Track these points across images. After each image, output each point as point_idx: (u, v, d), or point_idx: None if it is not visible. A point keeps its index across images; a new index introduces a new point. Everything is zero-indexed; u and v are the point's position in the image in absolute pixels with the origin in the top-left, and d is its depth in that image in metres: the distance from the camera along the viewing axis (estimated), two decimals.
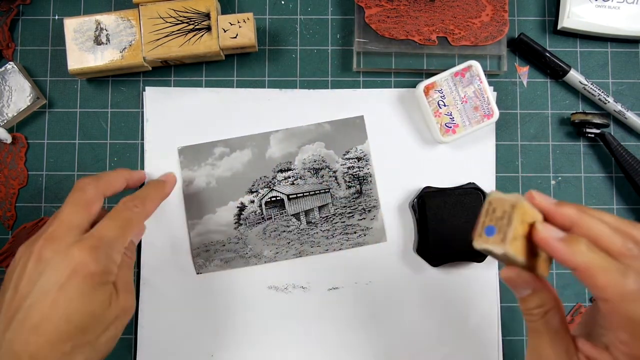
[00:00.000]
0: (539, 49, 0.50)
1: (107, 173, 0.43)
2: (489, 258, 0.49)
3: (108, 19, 0.49)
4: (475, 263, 0.49)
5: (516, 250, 0.31)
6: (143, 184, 0.49)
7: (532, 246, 0.32)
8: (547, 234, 0.31)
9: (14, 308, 0.35)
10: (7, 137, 0.50)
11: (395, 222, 0.50)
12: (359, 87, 0.51)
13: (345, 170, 0.50)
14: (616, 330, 0.30)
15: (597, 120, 0.49)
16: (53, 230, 0.37)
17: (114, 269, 0.38)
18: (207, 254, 0.50)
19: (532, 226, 0.31)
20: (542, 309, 0.33)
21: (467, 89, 0.48)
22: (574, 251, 0.30)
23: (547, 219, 0.32)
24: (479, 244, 0.31)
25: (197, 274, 0.50)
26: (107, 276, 0.37)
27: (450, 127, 0.48)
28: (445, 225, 0.47)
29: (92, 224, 0.39)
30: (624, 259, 0.30)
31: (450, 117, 0.48)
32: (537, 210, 0.32)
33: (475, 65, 0.48)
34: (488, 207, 0.31)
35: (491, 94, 0.49)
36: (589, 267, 0.30)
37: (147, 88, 0.51)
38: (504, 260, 0.32)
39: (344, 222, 0.50)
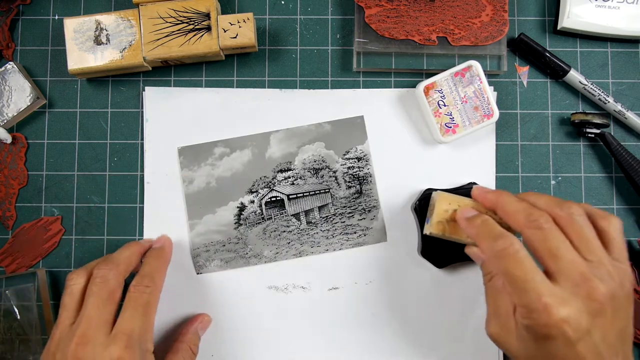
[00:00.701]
0: (539, 49, 0.50)
1: (122, 255, 0.43)
2: None
3: (108, 19, 0.49)
4: (476, 264, 0.49)
5: (444, 230, 0.43)
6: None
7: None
8: (459, 214, 0.42)
9: None
10: (7, 137, 0.50)
11: (396, 222, 0.50)
12: (359, 87, 0.51)
13: (345, 170, 0.50)
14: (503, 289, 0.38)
15: (597, 120, 0.49)
16: (84, 331, 0.38)
17: (148, 356, 0.40)
18: (207, 254, 0.50)
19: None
20: (489, 275, 0.39)
21: (467, 89, 0.48)
22: (471, 225, 0.40)
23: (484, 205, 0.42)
24: (425, 230, 0.44)
25: (197, 274, 0.50)
26: None
27: (450, 127, 0.48)
28: None
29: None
30: (524, 229, 0.38)
31: (450, 117, 0.48)
32: (472, 200, 0.43)
33: (475, 65, 0.48)
34: (430, 204, 0.45)
35: (491, 94, 0.49)
36: (477, 235, 0.39)
37: (147, 88, 0.51)
38: (453, 241, 0.44)
39: (344, 222, 0.50)
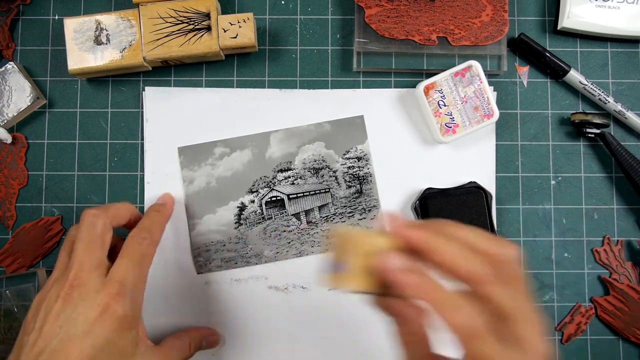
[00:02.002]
0: (539, 49, 0.50)
1: (113, 204, 0.43)
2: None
3: (108, 19, 0.49)
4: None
5: (365, 283, 0.29)
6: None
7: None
8: (383, 264, 0.30)
9: (37, 350, 0.35)
10: (7, 137, 0.50)
11: None
12: (359, 87, 0.51)
13: (346, 170, 0.50)
14: None
15: (597, 120, 0.49)
16: (75, 274, 0.37)
17: (138, 313, 0.39)
18: (207, 254, 0.50)
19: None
20: (414, 337, 0.33)
21: (467, 89, 0.48)
22: (411, 283, 0.29)
23: (406, 245, 0.31)
24: (330, 284, 0.29)
25: (198, 274, 0.50)
26: (134, 320, 0.38)
27: (450, 127, 0.48)
28: None
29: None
30: (478, 284, 0.29)
31: (450, 117, 0.48)
32: (388, 236, 0.31)
33: (475, 65, 0.48)
34: (334, 242, 0.30)
35: (491, 94, 0.49)
36: (424, 297, 0.29)
37: (147, 88, 0.51)
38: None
39: (344, 221, 0.50)
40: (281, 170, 0.50)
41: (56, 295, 0.37)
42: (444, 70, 0.49)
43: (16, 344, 0.37)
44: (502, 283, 0.29)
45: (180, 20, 0.48)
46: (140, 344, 0.39)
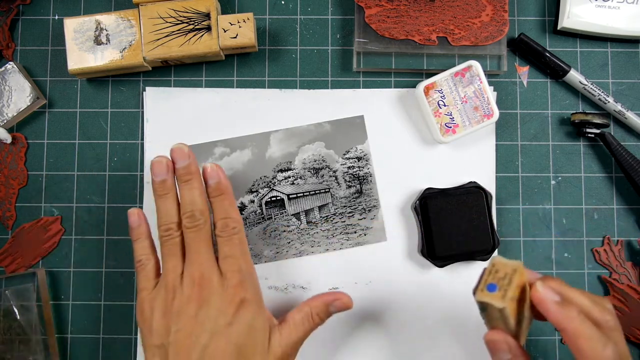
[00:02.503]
0: (539, 49, 0.50)
1: (204, 204, 0.42)
2: (495, 252, 0.49)
3: (108, 19, 0.49)
4: (476, 263, 0.49)
5: (511, 309, 0.34)
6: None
7: (518, 313, 0.35)
8: (545, 294, 0.35)
9: (186, 347, 0.38)
10: (7, 137, 0.50)
11: (396, 222, 0.50)
12: (359, 87, 0.51)
13: (346, 169, 0.50)
14: None
15: (597, 120, 0.49)
16: (200, 274, 0.40)
17: (260, 293, 0.42)
18: None
19: (523, 291, 0.35)
20: None
21: (467, 89, 0.48)
22: (567, 315, 0.34)
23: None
24: (480, 297, 0.35)
25: None
26: (261, 301, 0.41)
27: (450, 127, 0.48)
28: (450, 225, 0.47)
29: None
30: (603, 329, 0.34)
31: (450, 117, 0.48)
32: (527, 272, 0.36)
33: (475, 65, 0.48)
34: (491, 268, 0.36)
35: (491, 94, 0.49)
36: (576, 332, 0.33)
37: (147, 88, 0.51)
38: (493, 320, 0.36)
39: (344, 221, 0.50)
40: (281, 170, 0.50)
41: (186, 297, 0.39)
42: (444, 70, 0.49)
43: (148, 346, 0.39)
44: (615, 343, 0.34)
45: (180, 20, 0.48)
46: (272, 322, 0.42)
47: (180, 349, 0.38)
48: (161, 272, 0.42)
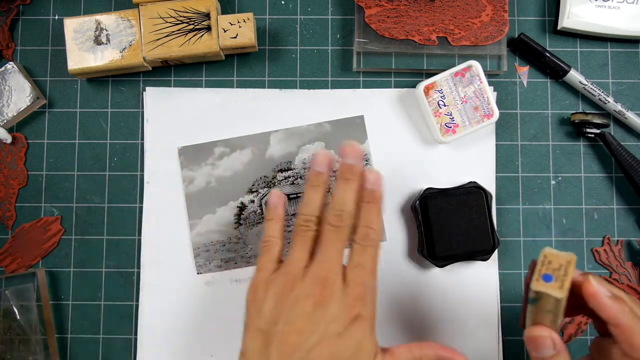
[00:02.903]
0: (539, 49, 0.50)
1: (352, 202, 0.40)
2: (493, 256, 0.49)
3: (108, 19, 0.49)
4: (476, 264, 0.49)
5: (564, 295, 0.34)
6: None
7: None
8: (600, 289, 0.34)
9: (291, 344, 0.36)
10: (7, 137, 0.50)
11: (395, 222, 0.50)
12: (359, 87, 0.51)
13: None
14: None
15: (597, 120, 0.49)
16: (326, 275, 0.37)
17: (376, 315, 0.39)
18: (207, 254, 0.50)
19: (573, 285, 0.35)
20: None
21: (467, 89, 0.48)
22: (621, 310, 0.34)
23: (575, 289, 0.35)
24: (537, 286, 0.34)
25: (197, 274, 0.50)
26: (375, 324, 0.38)
27: (450, 127, 0.48)
28: (449, 225, 0.47)
29: None
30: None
31: (450, 117, 0.48)
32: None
33: (475, 65, 0.48)
34: (543, 259, 0.35)
35: (491, 94, 0.49)
36: (630, 327, 0.33)
37: (147, 88, 0.51)
38: (541, 313, 0.35)
39: None
40: (281, 170, 0.50)
41: (305, 292, 0.36)
42: (444, 70, 0.49)
43: (252, 328, 0.37)
44: None
45: (180, 20, 0.48)
46: (377, 349, 0.39)
47: (285, 343, 0.36)
48: (284, 259, 0.40)
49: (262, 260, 0.40)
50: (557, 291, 0.33)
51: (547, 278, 0.34)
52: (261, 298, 0.38)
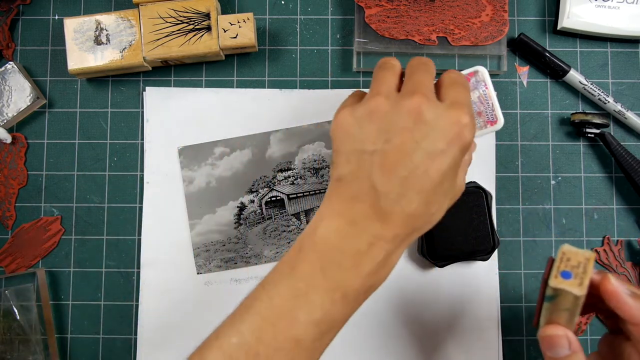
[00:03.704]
0: (539, 49, 0.50)
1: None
2: (493, 256, 0.49)
3: (108, 19, 0.49)
4: (476, 264, 0.49)
5: (583, 292, 0.33)
6: None
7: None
8: (619, 287, 0.33)
9: (394, 162, 0.33)
10: (7, 137, 0.50)
11: None
12: (359, 87, 0.51)
13: None
14: None
15: (597, 120, 0.49)
16: (423, 92, 0.34)
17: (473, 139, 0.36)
18: (207, 254, 0.50)
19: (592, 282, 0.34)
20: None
21: (471, 94, 0.45)
22: (633, 307, 0.33)
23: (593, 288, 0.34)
24: (556, 283, 0.33)
25: (197, 274, 0.50)
26: (469, 148, 0.35)
27: None
28: (449, 225, 0.47)
29: None
30: None
31: None
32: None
33: (482, 70, 0.45)
34: (562, 255, 0.35)
35: (496, 101, 0.45)
36: None
37: (147, 88, 0.51)
38: (558, 311, 0.34)
39: None
40: (281, 170, 0.50)
41: (403, 109, 0.33)
42: (444, 70, 0.49)
43: (344, 150, 0.35)
44: None
45: (180, 20, 0.48)
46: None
47: (387, 161, 0.33)
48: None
49: (348, 97, 0.37)
50: (577, 288, 0.33)
51: (565, 275, 0.33)
52: (349, 120, 0.35)
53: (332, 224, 0.34)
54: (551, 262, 0.35)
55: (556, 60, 0.51)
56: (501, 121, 0.46)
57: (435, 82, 0.37)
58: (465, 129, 0.33)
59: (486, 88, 0.46)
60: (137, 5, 0.49)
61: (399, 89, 0.36)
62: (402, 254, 0.35)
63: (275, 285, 0.34)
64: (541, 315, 0.36)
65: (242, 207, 0.50)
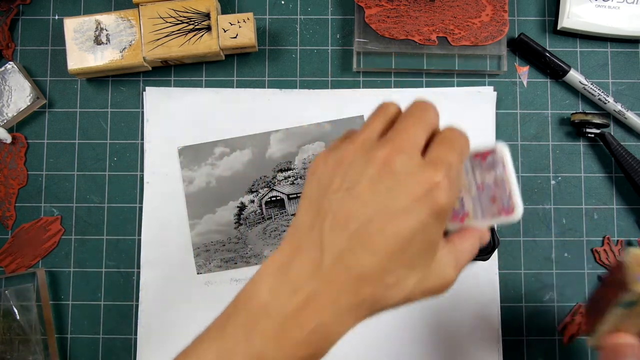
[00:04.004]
0: (539, 49, 0.50)
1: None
2: (493, 256, 0.49)
3: (108, 19, 0.49)
4: (476, 264, 0.49)
5: None
6: None
7: None
8: None
9: (345, 214, 0.29)
10: (7, 137, 0.50)
11: None
12: (359, 87, 0.51)
13: None
14: None
15: (597, 120, 0.49)
16: (400, 143, 0.30)
17: (452, 205, 0.31)
18: (207, 254, 0.50)
19: None
20: None
21: (486, 175, 0.37)
22: None
23: None
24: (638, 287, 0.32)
25: (197, 274, 0.50)
26: (448, 212, 0.31)
27: (459, 214, 0.38)
28: None
29: None
30: None
31: (461, 202, 0.38)
32: None
33: (501, 149, 0.36)
34: (631, 260, 0.33)
35: (516, 186, 0.36)
36: None
37: (147, 88, 0.51)
38: (635, 317, 0.33)
39: None
40: (281, 170, 0.50)
41: (372, 156, 0.30)
42: (444, 70, 0.49)
43: (305, 197, 0.32)
44: None
45: (180, 20, 0.48)
46: (442, 237, 0.33)
47: (340, 211, 0.30)
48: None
49: (337, 138, 0.34)
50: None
51: None
52: (320, 165, 0.32)
53: (269, 278, 0.30)
54: (621, 266, 0.33)
55: (556, 60, 0.51)
56: (519, 211, 0.35)
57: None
58: (436, 189, 0.29)
59: (504, 169, 0.37)
60: (137, 5, 0.49)
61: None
62: (350, 330, 0.31)
63: (204, 344, 0.31)
64: (603, 321, 0.34)
65: (242, 207, 0.50)
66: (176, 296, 0.49)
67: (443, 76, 0.51)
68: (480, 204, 0.37)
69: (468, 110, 0.51)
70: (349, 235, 0.29)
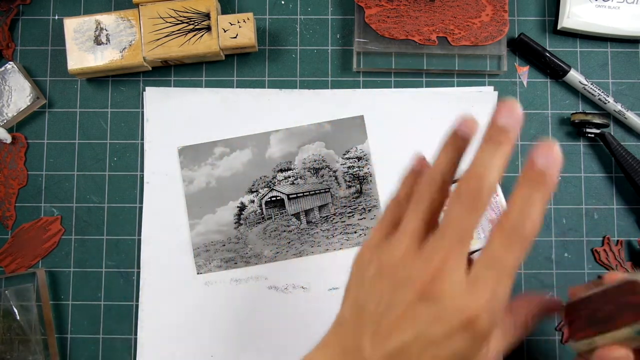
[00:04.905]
0: (539, 49, 0.50)
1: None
2: None
3: (108, 19, 0.49)
4: None
5: None
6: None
7: None
8: None
9: (385, 332, 0.30)
10: (7, 137, 0.50)
11: None
12: (359, 87, 0.51)
13: (346, 169, 0.50)
14: None
15: (597, 120, 0.49)
16: (443, 262, 0.29)
17: (494, 328, 0.30)
18: (207, 254, 0.50)
19: None
20: None
21: None
22: None
23: None
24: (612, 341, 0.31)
25: (197, 274, 0.50)
26: (490, 337, 0.30)
27: None
28: None
29: None
30: None
31: None
32: None
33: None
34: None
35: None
36: None
37: (147, 88, 0.51)
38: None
39: (344, 221, 0.50)
40: (281, 170, 0.50)
41: (411, 277, 0.29)
42: (444, 70, 0.49)
43: (351, 296, 0.32)
44: None
45: (180, 20, 0.48)
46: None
47: (380, 327, 0.30)
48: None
49: (382, 220, 0.33)
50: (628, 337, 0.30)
51: None
52: (365, 265, 0.32)
53: None
54: (636, 285, 0.31)
55: (556, 60, 0.51)
56: None
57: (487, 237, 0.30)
58: (479, 319, 0.28)
59: (496, 195, 0.41)
60: (137, 5, 0.49)
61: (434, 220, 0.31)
62: None
63: None
64: (604, 336, 0.32)
65: (242, 207, 0.50)
66: (176, 296, 0.49)
67: (443, 76, 0.52)
68: (480, 225, 0.39)
69: (468, 111, 0.51)
70: (388, 354, 0.29)
